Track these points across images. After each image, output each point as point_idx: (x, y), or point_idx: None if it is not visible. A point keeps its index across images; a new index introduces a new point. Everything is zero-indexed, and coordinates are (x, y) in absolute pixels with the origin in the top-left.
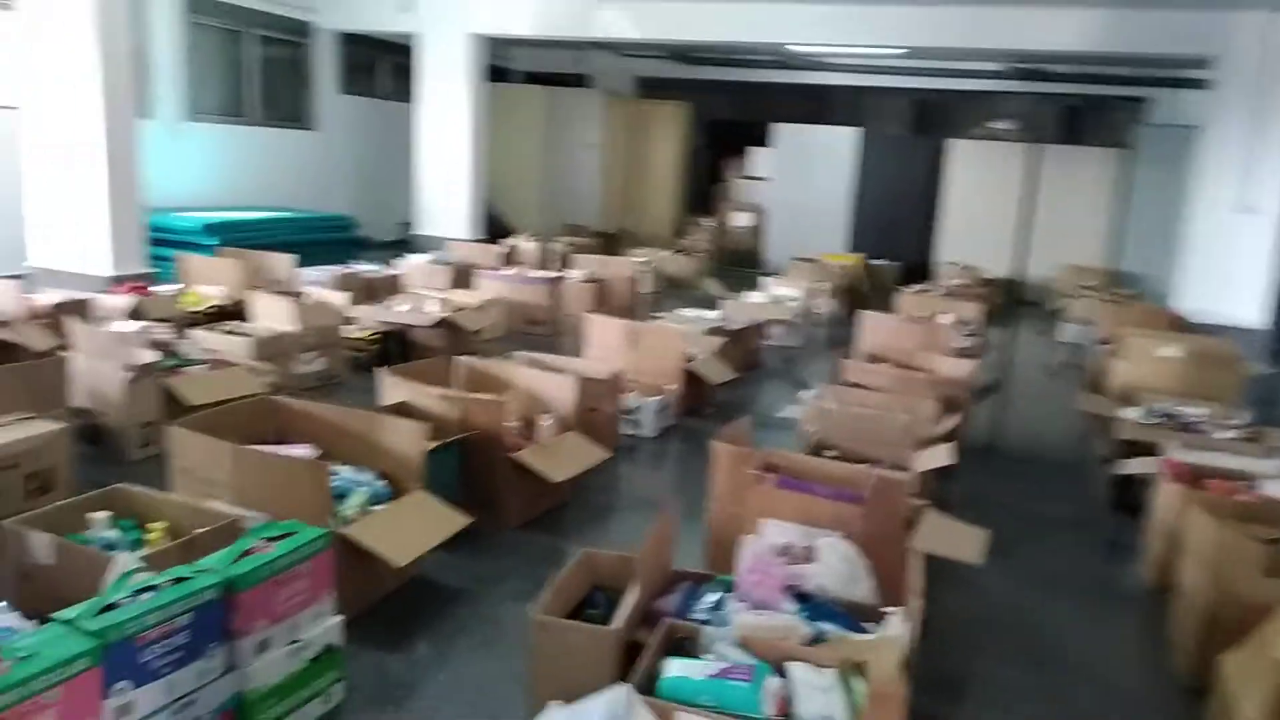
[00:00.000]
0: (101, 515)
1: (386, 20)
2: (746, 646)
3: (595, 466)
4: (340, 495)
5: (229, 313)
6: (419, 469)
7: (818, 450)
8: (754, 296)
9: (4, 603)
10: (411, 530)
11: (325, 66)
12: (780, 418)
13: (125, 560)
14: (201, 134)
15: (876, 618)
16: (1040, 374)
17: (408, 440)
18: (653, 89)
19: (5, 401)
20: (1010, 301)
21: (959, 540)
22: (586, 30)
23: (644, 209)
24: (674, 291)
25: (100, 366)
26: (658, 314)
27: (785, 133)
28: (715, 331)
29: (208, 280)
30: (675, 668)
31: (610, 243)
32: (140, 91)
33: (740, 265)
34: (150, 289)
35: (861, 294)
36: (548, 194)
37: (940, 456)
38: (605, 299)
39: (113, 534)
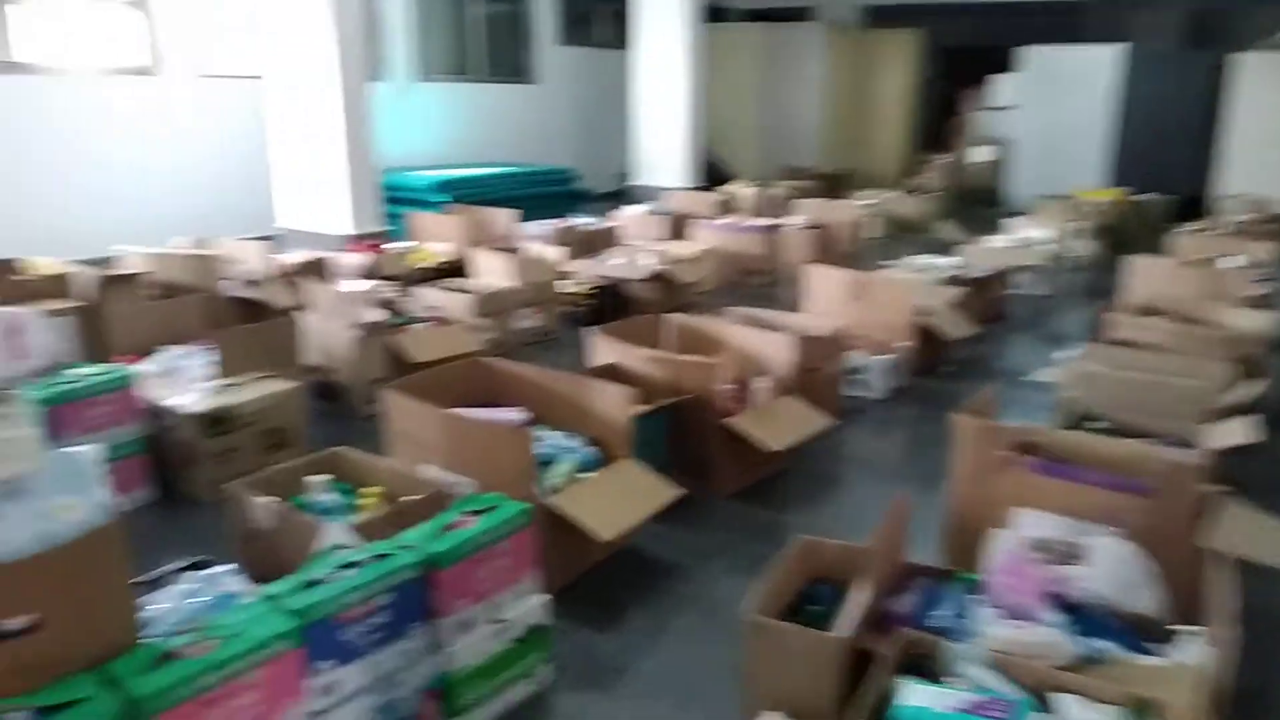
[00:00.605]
0: (320, 479)
1: None
2: (1000, 668)
3: (816, 434)
4: (547, 462)
5: (455, 269)
6: (626, 436)
7: (1080, 422)
8: (996, 240)
9: (232, 565)
10: (619, 501)
11: (545, 19)
12: (1031, 381)
13: (334, 530)
14: (429, 93)
15: (1165, 636)
16: None
17: (615, 405)
18: (881, 18)
19: (244, 361)
20: None
21: (1267, 539)
22: None
23: (871, 147)
24: (904, 237)
25: (331, 325)
26: (886, 262)
27: (1033, 55)
28: (952, 281)
29: (436, 237)
30: (915, 695)
31: (834, 185)
32: (372, 55)
33: (980, 205)
34: (383, 247)
35: (1125, 235)
36: (767, 136)
37: (1238, 432)
38: (827, 246)
39: (330, 498)
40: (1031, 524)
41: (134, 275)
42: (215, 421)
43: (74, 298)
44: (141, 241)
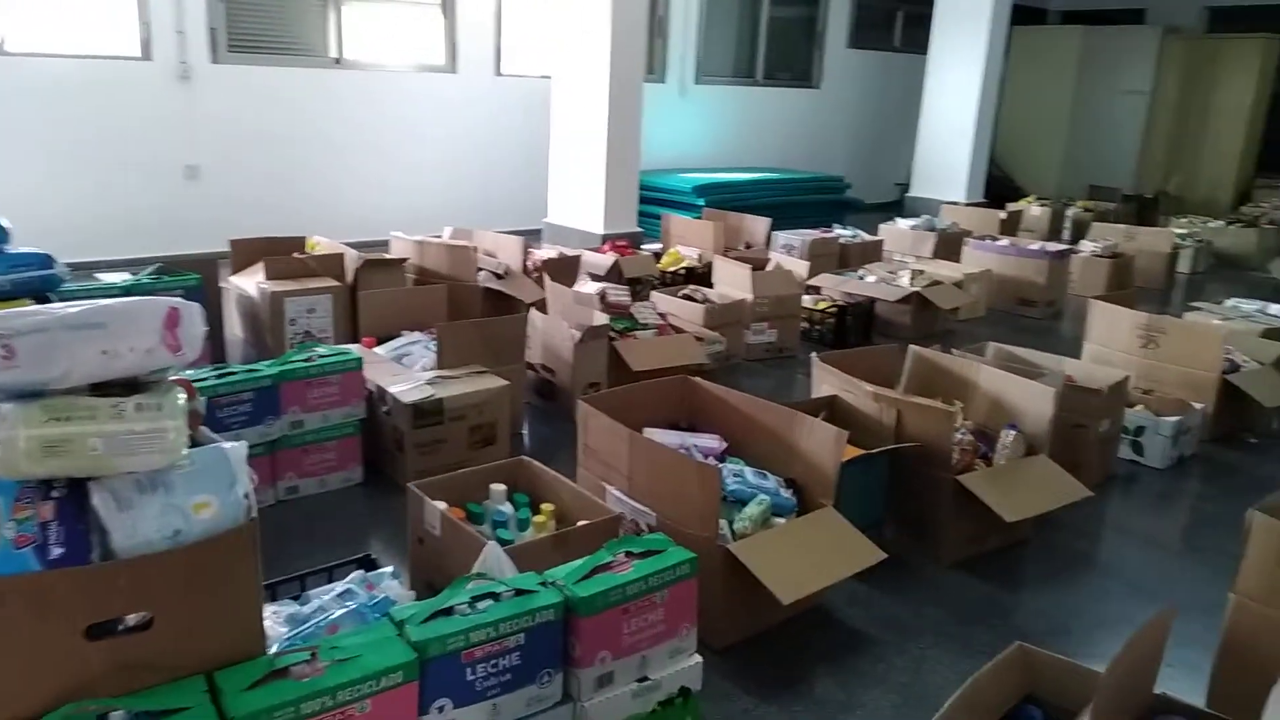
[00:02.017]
0: (499, 488)
1: None
2: None
3: (1065, 505)
4: (739, 500)
5: (701, 275)
6: (831, 482)
7: None
8: None
9: (390, 569)
10: (810, 558)
11: (837, 20)
12: None
13: (492, 551)
14: (707, 95)
15: None
16: None
17: (823, 446)
18: (1228, 20)
19: (464, 353)
20: None
21: None
22: None
23: (1198, 168)
24: (1229, 274)
25: (557, 324)
26: (1198, 304)
27: None
28: (1278, 333)
29: (688, 241)
30: None
31: (1145, 209)
32: (654, 58)
33: None
34: (633, 248)
35: None
36: (1073, 151)
37: None
38: (1126, 278)
39: (506, 508)
40: None
41: (395, 261)
42: (424, 412)
43: (342, 279)
44: (428, 228)
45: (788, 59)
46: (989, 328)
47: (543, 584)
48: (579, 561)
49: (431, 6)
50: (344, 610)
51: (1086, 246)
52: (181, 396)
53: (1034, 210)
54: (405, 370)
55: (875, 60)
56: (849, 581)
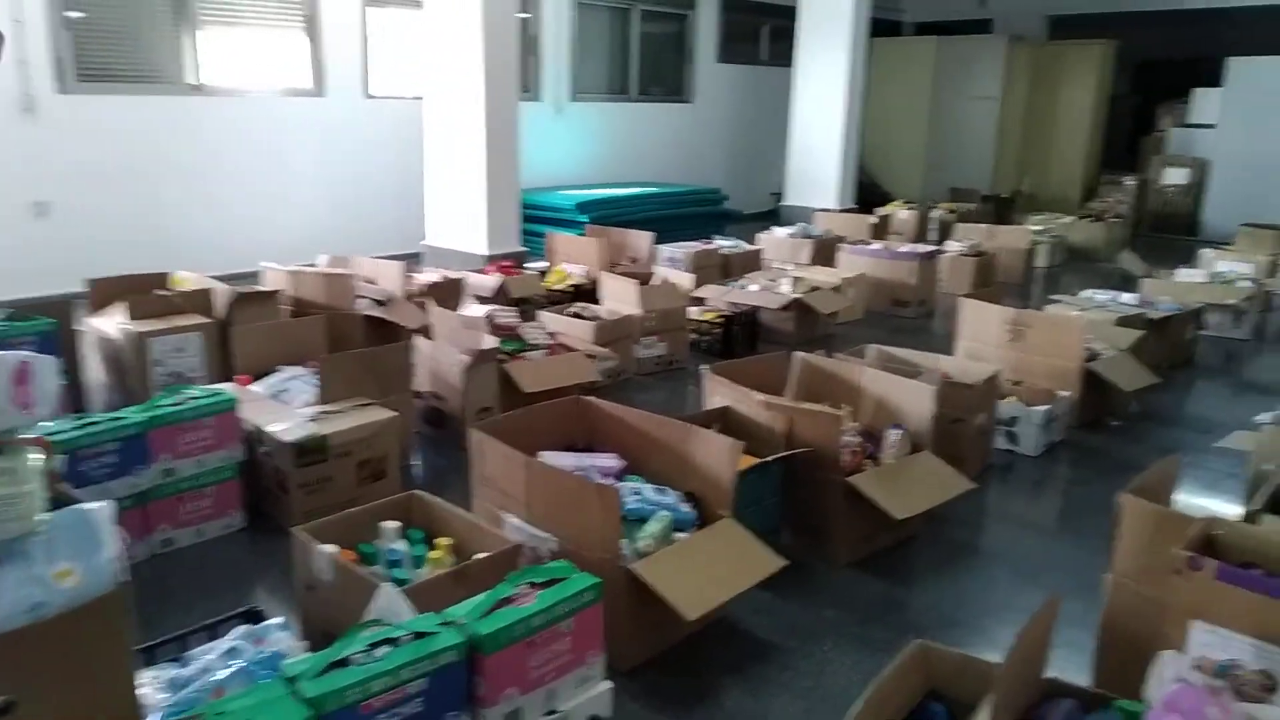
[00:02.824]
0: (392, 525)
1: None
2: None
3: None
4: (640, 518)
5: (588, 292)
6: (729, 493)
7: (1278, 504)
8: (1187, 274)
9: (279, 620)
10: (712, 572)
11: (705, 36)
12: (1221, 449)
13: (386, 593)
14: (583, 112)
15: None
16: None
17: (719, 457)
18: (1068, 29)
19: (348, 386)
20: None
21: None
22: None
23: (1048, 168)
24: (1081, 266)
25: (444, 350)
26: (1057, 296)
27: (1242, 68)
28: (1131, 320)
29: (573, 258)
30: None
31: (1003, 209)
32: (528, 76)
33: (1170, 233)
34: (518, 267)
35: None
36: (933, 156)
37: None
38: (990, 275)
39: (400, 546)
40: (1213, 644)
41: (268, 293)
42: (306, 450)
43: (212, 315)
44: (301, 257)
45: (660, 74)
46: (867, 329)
47: (443, 624)
48: (480, 597)
49: (294, 29)
50: (229, 670)
51: (952, 246)
52: (36, 456)
53: (901, 214)
54: (285, 407)
55: (744, 74)
56: (752, 590)
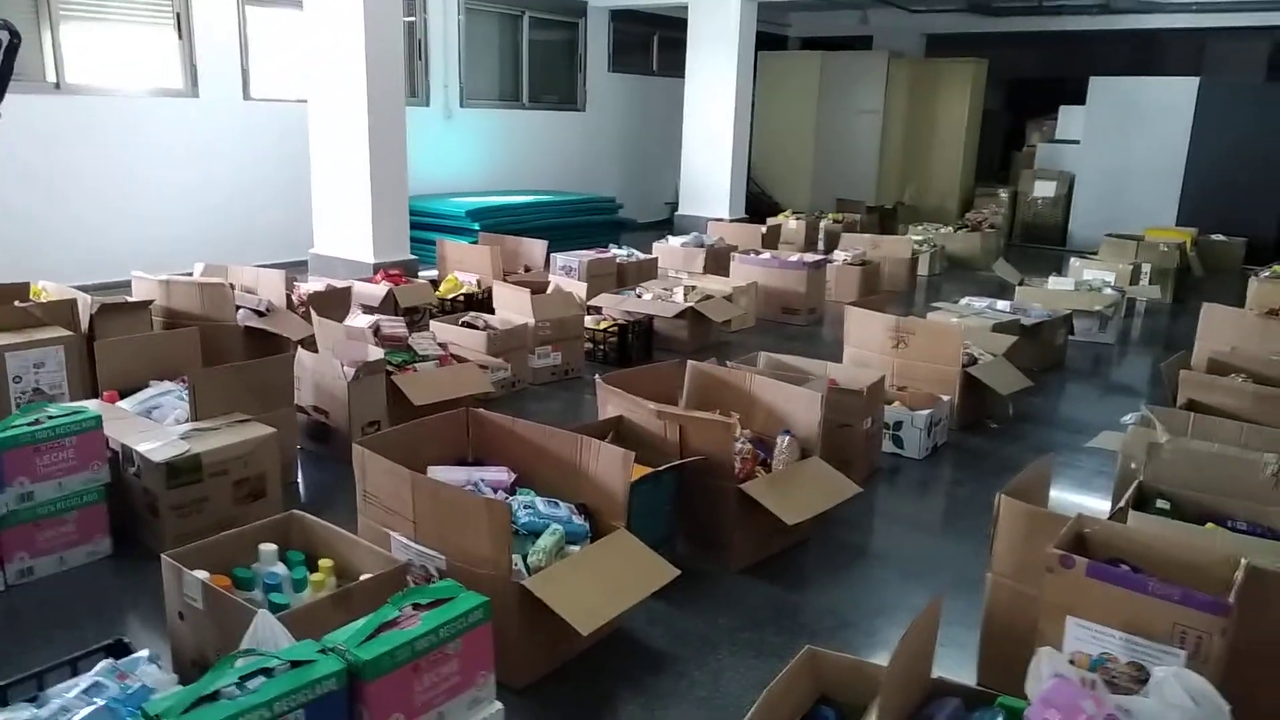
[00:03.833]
0: (269, 548)
1: None
2: None
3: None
4: (533, 531)
5: (480, 301)
6: (622, 504)
7: (1144, 501)
8: (1057, 282)
9: (146, 653)
10: (606, 584)
11: (597, 45)
12: (1091, 448)
13: (262, 620)
14: (474, 118)
15: None
16: None
17: (612, 469)
18: (944, 47)
19: (223, 401)
20: None
21: None
22: None
23: (928, 180)
24: (960, 274)
25: (328, 362)
26: (939, 303)
27: (1103, 88)
28: (1006, 327)
29: (465, 266)
30: None
31: (887, 219)
32: (416, 81)
33: (1041, 243)
34: (408, 277)
35: (1194, 278)
36: (820, 168)
37: None
38: (875, 284)
39: (278, 569)
40: (1086, 639)
41: (138, 304)
42: (179, 470)
43: (75, 328)
44: (177, 266)
45: (552, 82)
46: (759, 337)
47: (322, 651)
48: (361, 621)
49: (164, 26)
50: (91, 708)
51: (839, 256)
52: None
53: (791, 224)
54: (155, 425)
55: (636, 83)
56: (647, 600)
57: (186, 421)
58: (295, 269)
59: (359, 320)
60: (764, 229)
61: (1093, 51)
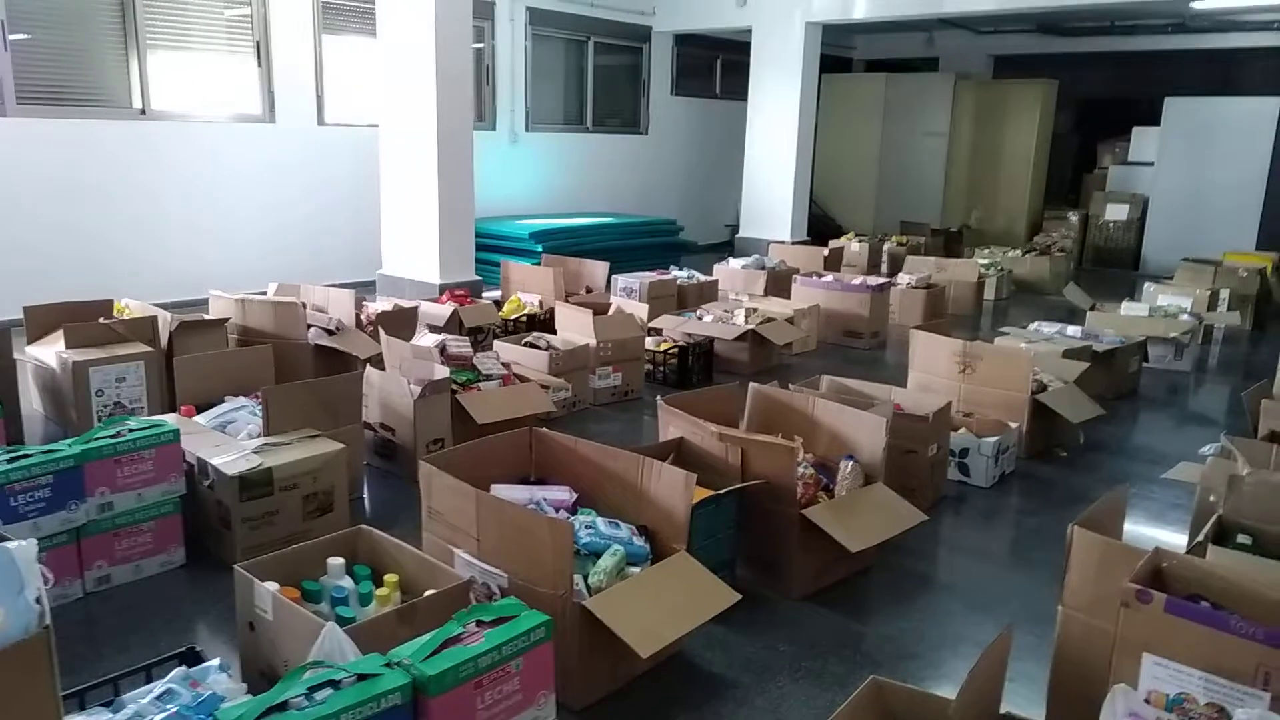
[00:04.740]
0: (337, 562)
1: (726, 17)
2: None
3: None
4: (593, 552)
5: (543, 322)
6: (683, 526)
7: (1224, 536)
8: (1130, 307)
9: (217, 661)
10: (666, 606)
11: (660, 69)
12: (1167, 479)
13: (331, 633)
14: (538, 142)
15: None
16: None
17: (672, 490)
18: (1012, 68)
19: (295, 417)
20: None
21: None
22: (936, 7)
23: (995, 203)
24: (1028, 299)
25: (395, 380)
26: (1006, 329)
27: (1179, 108)
28: (1077, 353)
29: (528, 287)
30: None
31: (952, 242)
32: (483, 106)
33: (1113, 266)
34: (473, 297)
35: (1275, 304)
36: (884, 190)
37: None
38: (940, 308)
39: (345, 583)
40: (1163, 678)
41: (215, 321)
42: (251, 484)
43: (155, 344)
44: (251, 286)
45: (616, 106)
46: (821, 360)
47: (388, 665)
48: (426, 637)
49: (245, 55)
50: (164, 714)
51: (903, 279)
52: None
53: (854, 246)
54: (229, 439)
55: (699, 107)
56: (706, 625)
57: (259, 436)
58: (364, 289)
59: (425, 339)
60: (826, 251)
61: (1167, 71)
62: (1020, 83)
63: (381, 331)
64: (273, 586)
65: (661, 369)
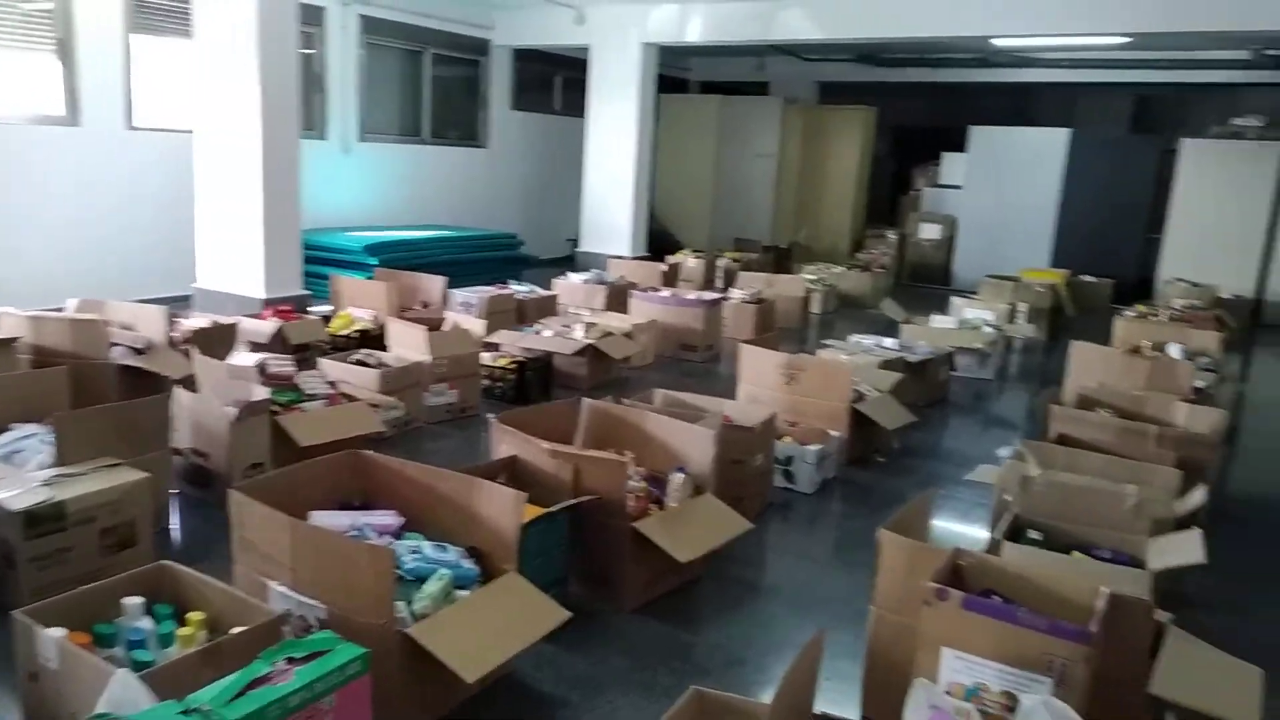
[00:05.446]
0: (134, 601)
1: (563, 34)
2: None
3: (732, 540)
4: (420, 577)
5: (374, 338)
6: (512, 546)
7: (1017, 532)
8: (940, 320)
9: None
10: (494, 629)
11: (499, 83)
12: (970, 481)
13: (122, 681)
14: (373, 153)
15: None
16: None
17: (503, 510)
18: (836, 94)
19: (90, 445)
20: (1251, 325)
21: (1222, 683)
22: (766, 34)
23: (820, 222)
24: (851, 313)
25: (209, 402)
26: (829, 340)
27: (982, 136)
28: (892, 364)
29: (360, 302)
30: None
31: (782, 258)
32: (313, 114)
33: (927, 282)
34: (300, 312)
35: (1066, 317)
36: (719, 207)
37: (1187, 549)
38: (770, 321)
39: (144, 624)
40: (961, 670)
41: (3, 341)
42: (39, 519)
43: None
44: (50, 301)
45: (454, 118)
46: (658, 374)
47: (185, 712)
48: (230, 678)
49: (44, 52)
50: None
51: (736, 294)
52: None
53: (690, 262)
54: (15, 471)
55: (539, 122)
56: (538, 643)
57: (51, 466)
58: (179, 304)
59: (244, 359)
60: (664, 267)
61: (973, 102)
62: (843, 108)
63: (195, 350)
64: (58, 632)
65: (499, 385)
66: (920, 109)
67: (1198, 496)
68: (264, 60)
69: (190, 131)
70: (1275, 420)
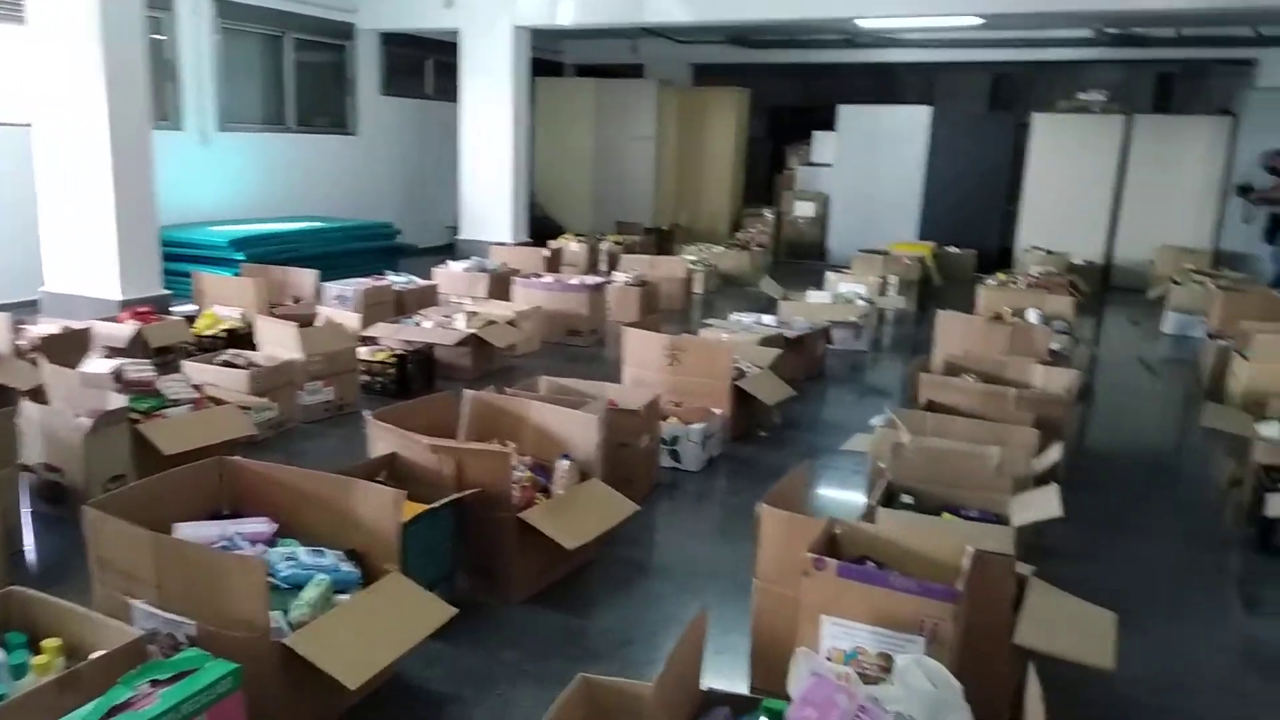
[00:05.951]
0: None
1: (430, 17)
2: None
3: (619, 523)
4: (297, 585)
5: (243, 337)
6: (394, 546)
7: (891, 497)
8: (816, 295)
9: None
10: (376, 632)
11: (367, 68)
12: (846, 451)
13: None
14: (235, 143)
15: None
16: (1142, 376)
17: (382, 510)
18: (710, 76)
19: None
20: (1101, 289)
21: (1081, 629)
22: (637, 16)
23: (700, 202)
24: (732, 292)
25: (60, 414)
26: (710, 320)
27: (850, 115)
28: (771, 340)
29: (226, 300)
30: None
31: (664, 240)
32: (167, 103)
33: (803, 258)
34: (161, 313)
35: (934, 287)
36: (599, 191)
37: (1046, 504)
38: (653, 303)
39: None
40: (840, 636)
41: None
42: None
43: None
44: None
45: (321, 105)
46: (544, 360)
47: None
48: (89, 706)
49: None
50: None
51: (619, 277)
52: None
53: (573, 247)
54: None
55: (411, 107)
56: (425, 642)
57: None
58: (25, 310)
59: (98, 365)
60: (547, 252)
61: (842, 82)
62: (717, 90)
63: (43, 358)
64: None
65: (379, 380)
66: (792, 89)
67: (1054, 453)
68: (108, 47)
69: (29, 125)
70: (1125, 378)
